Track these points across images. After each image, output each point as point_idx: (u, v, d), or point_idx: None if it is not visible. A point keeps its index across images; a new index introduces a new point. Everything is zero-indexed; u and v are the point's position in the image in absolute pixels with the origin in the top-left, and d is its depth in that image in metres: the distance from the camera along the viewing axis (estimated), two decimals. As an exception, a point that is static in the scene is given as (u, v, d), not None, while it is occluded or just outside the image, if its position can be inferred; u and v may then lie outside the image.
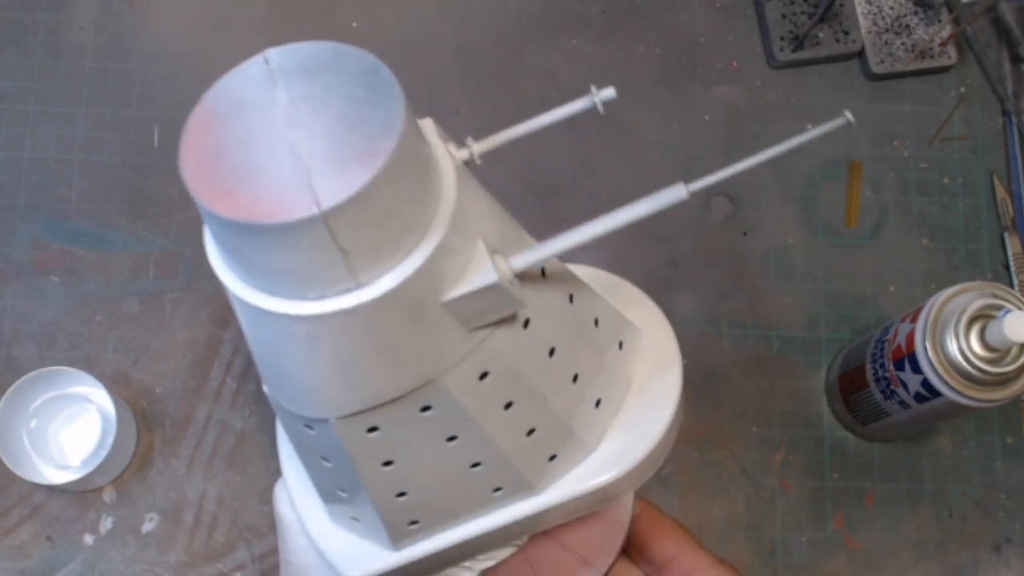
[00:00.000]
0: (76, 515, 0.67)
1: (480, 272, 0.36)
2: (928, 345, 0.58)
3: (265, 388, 0.42)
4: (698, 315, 0.72)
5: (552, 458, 0.45)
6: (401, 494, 0.43)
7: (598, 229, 0.38)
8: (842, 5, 0.76)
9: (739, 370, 0.72)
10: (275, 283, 0.34)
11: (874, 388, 0.64)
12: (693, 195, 0.38)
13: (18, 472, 0.63)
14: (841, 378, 0.69)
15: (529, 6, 0.78)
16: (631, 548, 0.52)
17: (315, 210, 0.30)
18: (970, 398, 0.58)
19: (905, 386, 0.61)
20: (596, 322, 0.45)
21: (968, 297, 0.58)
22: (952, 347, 0.57)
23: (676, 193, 0.40)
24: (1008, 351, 0.57)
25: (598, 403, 0.46)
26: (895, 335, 0.62)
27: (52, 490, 0.67)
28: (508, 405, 0.41)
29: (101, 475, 0.65)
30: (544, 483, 0.46)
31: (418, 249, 0.34)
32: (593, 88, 0.41)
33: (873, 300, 0.73)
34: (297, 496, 0.50)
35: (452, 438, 0.41)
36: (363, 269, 0.33)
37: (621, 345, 0.47)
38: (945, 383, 0.58)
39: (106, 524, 0.67)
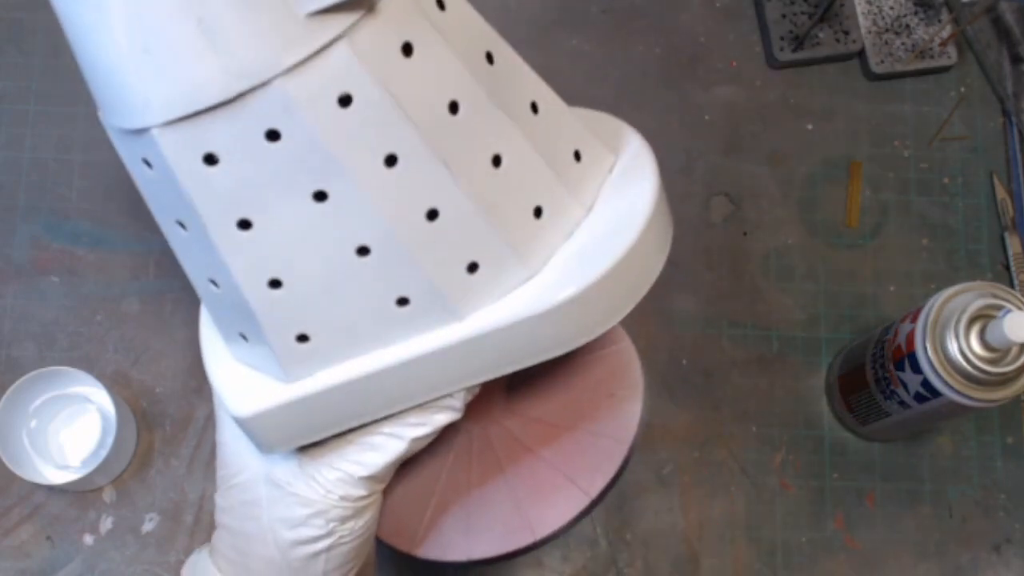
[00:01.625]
0: (76, 515, 0.67)
1: None
2: (928, 345, 0.58)
3: (100, 116, 0.36)
4: (698, 315, 0.72)
5: (473, 268, 0.36)
6: (275, 283, 0.35)
7: None
8: (842, 5, 0.76)
9: (739, 370, 0.72)
10: None
11: (874, 388, 0.64)
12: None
13: (18, 472, 0.63)
14: (841, 378, 0.69)
15: (529, 6, 0.78)
16: None
17: None
18: (970, 398, 0.58)
19: (905, 386, 0.61)
20: (535, 108, 0.38)
21: (968, 297, 0.58)
22: (952, 347, 0.57)
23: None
24: (1008, 351, 0.57)
25: (539, 212, 0.37)
26: (895, 335, 0.62)
27: (52, 490, 0.67)
28: (391, 161, 0.33)
29: (101, 475, 0.65)
30: (466, 304, 0.36)
31: None
32: None
33: (873, 300, 0.73)
34: (204, 338, 0.43)
35: (321, 196, 0.32)
36: None
37: (578, 156, 0.39)
38: (945, 383, 0.58)
39: (106, 524, 0.67)
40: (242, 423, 0.40)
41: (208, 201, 0.33)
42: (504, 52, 0.37)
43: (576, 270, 0.37)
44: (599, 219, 0.39)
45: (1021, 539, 0.70)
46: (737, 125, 0.76)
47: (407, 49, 0.32)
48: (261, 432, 0.40)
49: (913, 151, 0.76)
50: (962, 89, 0.77)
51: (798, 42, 0.75)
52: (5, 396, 0.63)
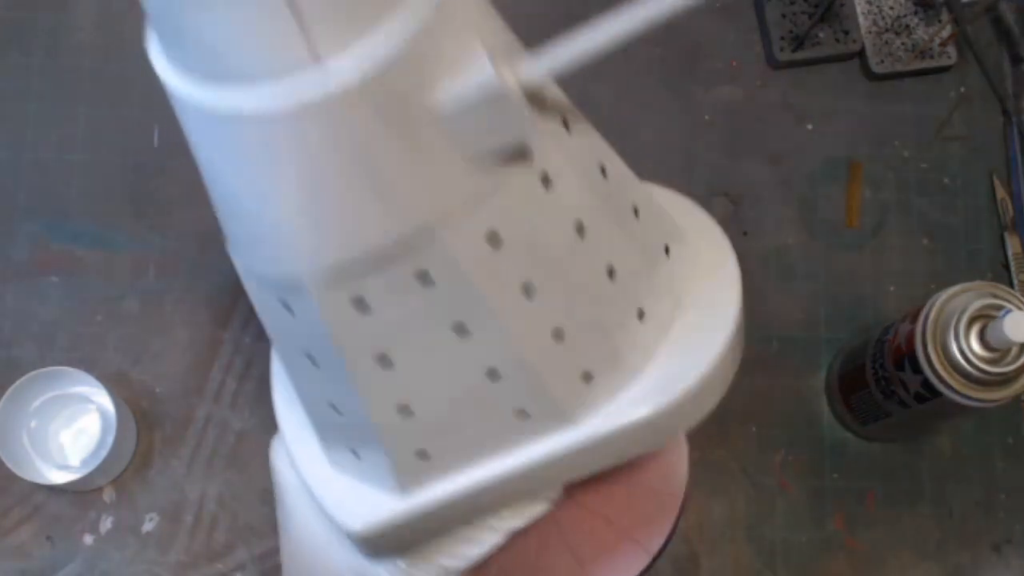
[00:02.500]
0: (76, 515, 0.67)
1: (476, 68, 0.28)
2: (928, 345, 0.58)
3: (230, 252, 0.34)
4: (698, 315, 0.72)
5: (588, 378, 0.36)
6: (405, 410, 0.35)
7: (634, 21, 0.30)
8: (842, 5, 0.76)
9: (739, 370, 0.71)
10: (215, 61, 0.27)
11: (874, 388, 0.64)
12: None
13: (18, 472, 0.63)
14: (841, 378, 0.69)
15: (529, 6, 0.77)
16: None
17: None
18: (970, 398, 0.58)
19: (905, 386, 0.61)
20: (636, 211, 0.37)
21: (968, 297, 0.58)
22: (952, 347, 0.57)
23: None
24: (1008, 351, 0.57)
25: (641, 315, 0.37)
26: (895, 335, 0.62)
27: (52, 490, 0.67)
28: (528, 290, 0.33)
29: (101, 475, 0.65)
30: (580, 411, 0.37)
31: (395, 17, 0.26)
32: None
33: (873, 300, 0.73)
34: (293, 442, 0.42)
35: (461, 329, 0.33)
36: (323, 37, 0.26)
37: (668, 251, 0.39)
38: (945, 383, 0.58)
39: (106, 524, 0.67)
40: (355, 536, 0.39)
41: (350, 343, 0.33)
42: (613, 161, 0.37)
43: (679, 371, 0.38)
44: (689, 312, 0.39)
45: (1021, 539, 0.70)
46: (737, 125, 0.76)
47: (546, 181, 0.32)
48: (373, 544, 0.39)
49: (913, 151, 0.76)
50: (962, 89, 0.77)
51: (798, 42, 0.75)
52: (5, 396, 0.63)
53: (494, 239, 0.31)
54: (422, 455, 0.37)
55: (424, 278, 0.31)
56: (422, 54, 0.27)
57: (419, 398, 0.35)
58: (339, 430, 0.38)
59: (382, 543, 0.40)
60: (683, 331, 0.39)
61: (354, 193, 0.29)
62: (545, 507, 0.42)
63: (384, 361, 0.33)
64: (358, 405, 0.35)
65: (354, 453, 0.38)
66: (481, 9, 0.31)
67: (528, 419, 0.36)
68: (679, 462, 0.45)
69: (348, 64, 0.26)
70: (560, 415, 0.37)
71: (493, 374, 0.34)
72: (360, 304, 0.31)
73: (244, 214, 0.31)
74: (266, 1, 0.25)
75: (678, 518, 0.46)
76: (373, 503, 0.38)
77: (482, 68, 0.28)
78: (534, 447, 0.37)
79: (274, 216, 0.30)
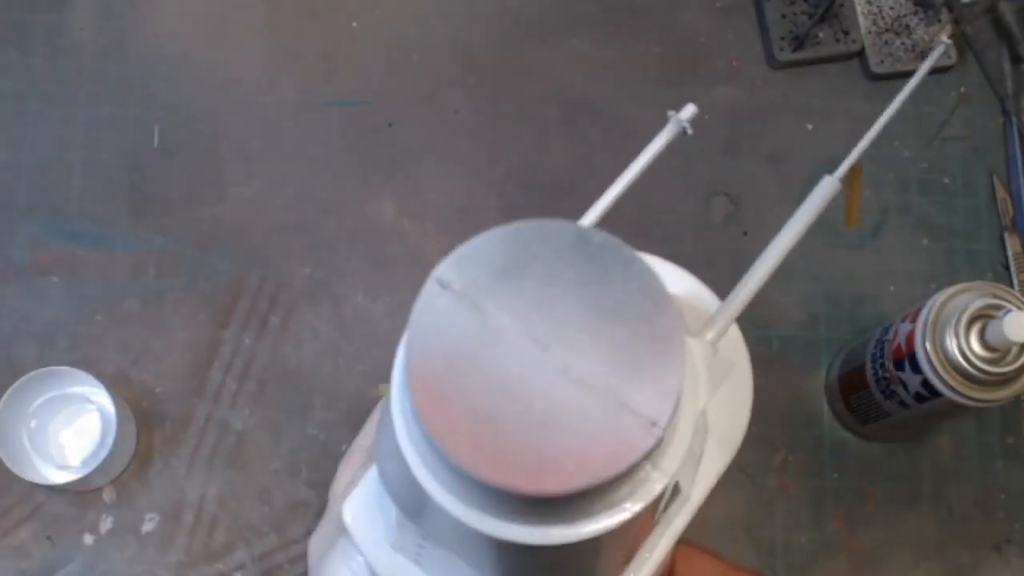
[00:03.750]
0: (76, 515, 0.67)
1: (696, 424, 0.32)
2: (928, 345, 0.58)
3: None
4: (698, 315, 0.72)
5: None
6: None
7: (769, 262, 0.36)
8: (842, 5, 0.76)
9: (739, 370, 0.72)
10: (580, 513, 0.29)
11: (874, 388, 0.64)
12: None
13: (18, 472, 0.63)
14: (841, 378, 0.69)
15: (529, 6, 0.78)
16: None
17: (656, 432, 0.26)
18: (970, 398, 0.58)
19: (905, 386, 0.61)
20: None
21: (968, 297, 0.58)
22: (952, 347, 0.57)
23: (829, 186, 0.39)
24: (1008, 351, 0.57)
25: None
26: (895, 335, 0.62)
27: (52, 490, 0.67)
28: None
29: (101, 475, 0.65)
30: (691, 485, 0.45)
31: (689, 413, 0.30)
32: (671, 113, 0.39)
33: (873, 300, 0.73)
34: None
35: None
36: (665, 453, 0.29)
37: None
38: (945, 383, 0.58)
39: (106, 524, 0.67)
40: None
41: None
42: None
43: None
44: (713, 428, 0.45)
45: (1021, 539, 0.70)
46: (737, 125, 0.76)
47: None
48: None
49: (913, 151, 0.76)
50: (962, 89, 0.77)
51: (798, 42, 0.75)
52: (5, 396, 0.63)
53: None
54: None
55: None
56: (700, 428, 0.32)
57: None
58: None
59: None
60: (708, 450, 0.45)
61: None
62: None
63: None
64: None
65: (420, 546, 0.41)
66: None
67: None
68: None
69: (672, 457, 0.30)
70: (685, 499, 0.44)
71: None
72: None
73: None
74: (646, 472, 0.29)
75: None
76: None
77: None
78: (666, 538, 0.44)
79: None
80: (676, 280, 0.46)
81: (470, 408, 0.26)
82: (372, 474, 0.42)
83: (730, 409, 0.44)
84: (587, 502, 0.28)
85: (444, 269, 0.27)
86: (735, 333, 0.45)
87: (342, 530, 0.44)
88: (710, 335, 0.34)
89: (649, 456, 0.26)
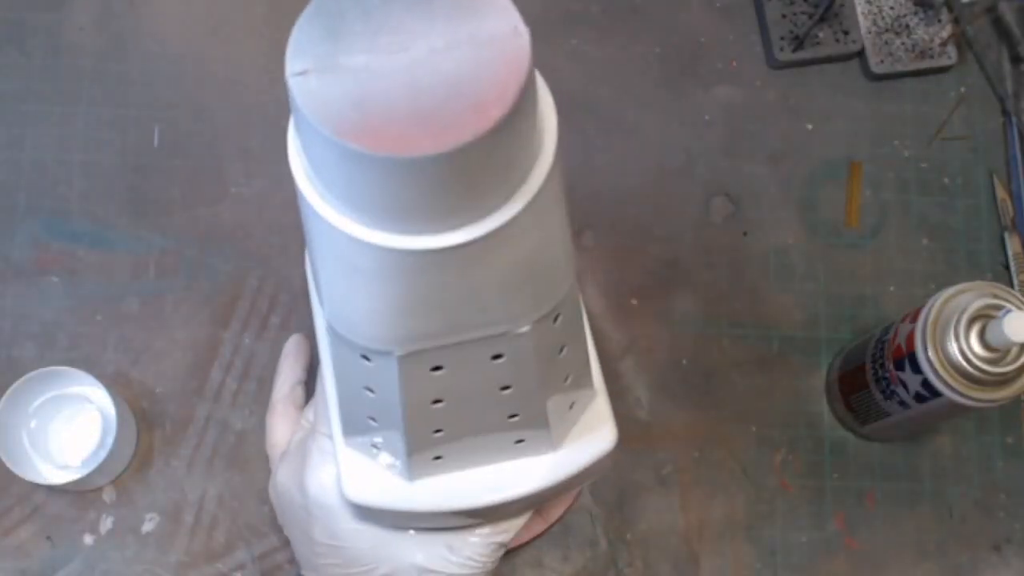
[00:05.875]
0: (76, 515, 0.67)
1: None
2: (928, 345, 0.58)
3: (319, 317, 0.40)
4: (698, 315, 0.72)
5: (571, 406, 0.46)
6: (437, 431, 0.43)
7: None
8: (842, 5, 0.76)
9: (739, 370, 0.72)
10: (402, 219, 0.32)
11: (874, 388, 0.64)
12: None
13: (18, 472, 0.63)
14: (841, 378, 0.69)
15: (529, 6, 0.77)
16: None
17: (525, 36, 0.30)
18: (970, 398, 0.58)
19: (905, 386, 0.61)
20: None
21: (968, 297, 0.58)
22: (952, 347, 0.57)
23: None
24: (1008, 351, 0.57)
25: (571, 406, 0.47)
26: (895, 335, 0.62)
27: (52, 490, 0.67)
28: (561, 349, 0.41)
29: (101, 475, 0.65)
30: (559, 442, 0.47)
31: (543, 154, 0.33)
32: None
33: (873, 300, 0.73)
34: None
35: (505, 387, 0.41)
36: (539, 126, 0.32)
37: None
38: (945, 383, 0.58)
39: (106, 524, 0.67)
40: (360, 507, 0.48)
41: (416, 391, 0.40)
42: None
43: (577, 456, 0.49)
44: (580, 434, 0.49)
45: (1021, 539, 0.70)
46: (737, 125, 0.76)
47: (555, 317, 0.40)
48: (374, 516, 0.50)
49: (913, 151, 0.76)
50: (962, 89, 0.77)
51: (798, 42, 0.75)
52: (5, 396, 0.63)
53: (557, 316, 0.40)
54: (437, 458, 0.45)
55: (497, 356, 0.39)
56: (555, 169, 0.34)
57: (452, 426, 0.43)
58: (366, 434, 0.45)
59: (380, 517, 0.50)
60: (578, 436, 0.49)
61: (463, 306, 0.36)
62: (525, 519, 0.53)
63: (437, 402, 0.41)
64: (399, 425, 0.42)
65: (374, 446, 0.46)
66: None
67: (523, 444, 0.46)
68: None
69: (514, 202, 0.33)
70: (548, 444, 0.47)
71: (513, 416, 0.43)
72: (435, 368, 0.39)
73: (354, 308, 0.37)
74: (488, 162, 0.30)
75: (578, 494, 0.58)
76: (383, 483, 0.47)
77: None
78: (524, 476, 0.47)
79: (390, 316, 0.36)
80: None
81: (398, 122, 0.29)
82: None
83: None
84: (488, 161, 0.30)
85: (290, 63, 0.31)
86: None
87: (310, 438, 0.52)
88: None
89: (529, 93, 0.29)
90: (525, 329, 0.38)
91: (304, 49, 0.31)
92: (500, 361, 0.39)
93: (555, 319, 0.39)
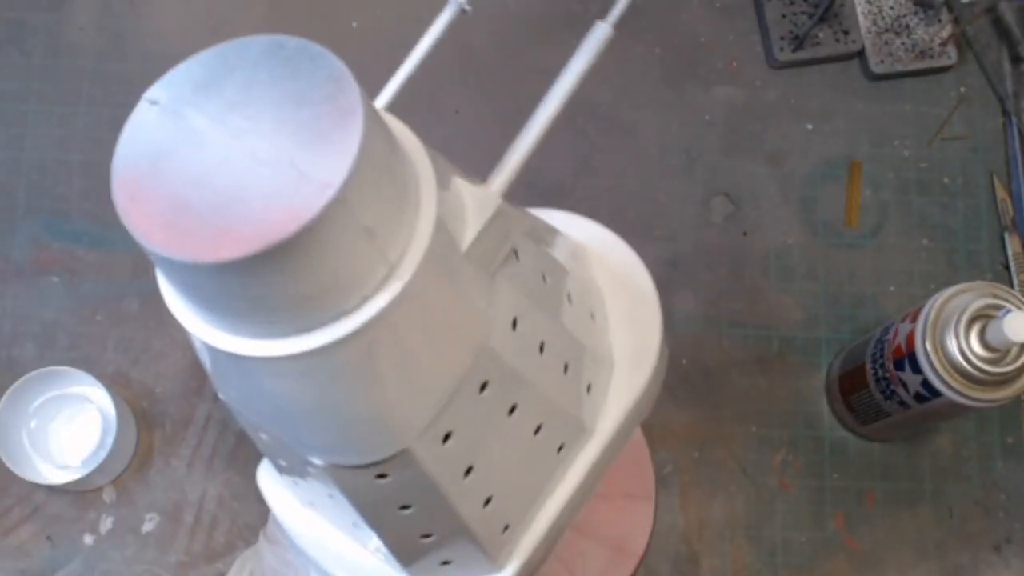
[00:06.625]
0: (76, 515, 0.67)
1: (482, 204, 0.34)
2: (928, 345, 0.58)
3: (321, 462, 0.37)
4: (698, 315, 0.72)
5: (588, 387, 0.44)
6: (487, 501, 0.41)
7: (549, 110, 0.39)
8: (842, 5, 0.76)
9: (739, 370, 0.72)
10: (302, 315, 0.30)
11: (874, 388, 0.64)
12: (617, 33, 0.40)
13: (18, 472, 0.63)
14: (841, 378, 0.69)
15: (529, 6, 0.78)
16: None
17: (329, 192, 0.27)
18: (970, 398, 0.58)
19: (905, 386, 0.61)
20: (570, 298, 0.44)
21: (968, 297, 0.58)
22: (952, 347, 0.57)
23: (602, 32, 0.41)
24: (1008, 351, 0.57)
25: (589, 388, 0.46)
26: (895, 335, 0.62)
27: (52, 490, 0.67)
28: (541, 347, 0.40)
29: (101, 475, 0.65)
30: (591, 418, 0.45)
31: (423, 202, 0.31)
32: None
33: (873, 300, 0.73)
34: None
35: (513, 407, 0.39)
36: (389, 243, 0.30)
37: (593, 316, 0.46)
38: (945, 383, 0.58)
39: (106, 524, 0.67)
40: None
41: (444, 471, 0.37)
42: (549, 263, 0.43)
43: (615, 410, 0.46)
44: (620, 357, 0.46)
45: (1021, 539, 0.70)
46: (737, 125, 0.76)
47: (516, 255, 0.38)
48: None
49: (913, 151, 0.76)
50: (962, 89, 0.77)
51: (798, 42, 0.75)
52: (5, 396, 0.63)
53: (514, 322, 0.38)
54: (505, 528, 0.42)
55: (484, 387, 0.37)
56: (446, 212, 0.32)
57: (495, 482, 0.40)
58: (429, 554, 0.42)
59: None
60: (617, 379, 0.46)
61: (436, 350, 0.34)
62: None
63: (468, 471, 0.39)
64: (452, 518, 0.39)
65: (445, 563, 0.43)
66: (437, 157, 0.35)
67: (564, 447, 0.43)
68: (644, 465, 0.50)
69: (412, 254, 0.31)
70: (581, 428, 0.44)
71: (537, 429, 0.41)
72: (447, 437, 0.36)
73: (346, 429, 0.35)
74: (350, 238, 0.29)
75: (654, 518, 0.52)
76: None
77: (484, 200, 0.34)
78: (575, 468, 0.44)
79: (379, 413, 0.34)
80: (581, 227, 0.50)
81: (166, 200, 0.28)
82: None
83: (636, 330, 0.46)
84: (318, 292, 0.29)
85: (153, 89, 0.30)
86: (632, 257, 0.48)
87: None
88: (495, 186, 0.37)
89: (338, 210, 0.28)
90: (491, 345, 0.36)
91: (175, 83, 0.30)
92: (489, 392, 0.37)
93: (514, 324, 0.37)
